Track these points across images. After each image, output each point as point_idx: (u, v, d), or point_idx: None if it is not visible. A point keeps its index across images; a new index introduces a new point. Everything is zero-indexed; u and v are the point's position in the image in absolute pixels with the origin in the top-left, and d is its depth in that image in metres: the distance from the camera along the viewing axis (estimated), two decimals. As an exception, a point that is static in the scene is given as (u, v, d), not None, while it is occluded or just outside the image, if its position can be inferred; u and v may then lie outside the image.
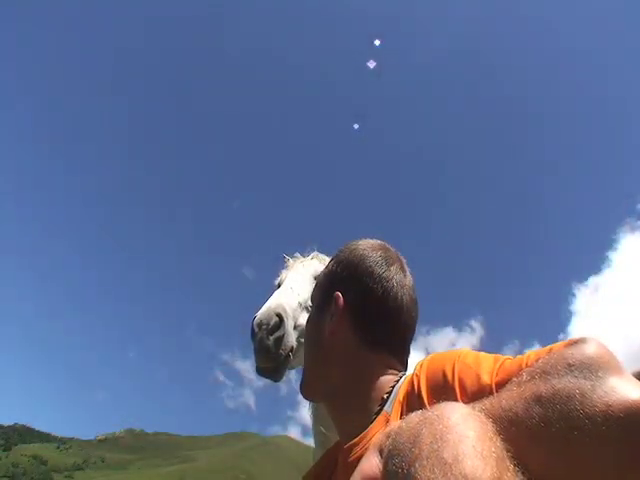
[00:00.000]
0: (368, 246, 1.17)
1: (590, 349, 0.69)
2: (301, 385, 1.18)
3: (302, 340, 1.76)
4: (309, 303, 1.89)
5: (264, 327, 1.74)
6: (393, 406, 0.94)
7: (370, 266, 1.11)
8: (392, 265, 1.12)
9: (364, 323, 1.08)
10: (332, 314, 1.11)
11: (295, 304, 1.91)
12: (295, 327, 1.86)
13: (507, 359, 0.82)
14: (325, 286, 1.18)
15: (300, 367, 1.83)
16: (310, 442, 1.99)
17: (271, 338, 1.73)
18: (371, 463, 0.68)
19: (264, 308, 1.83)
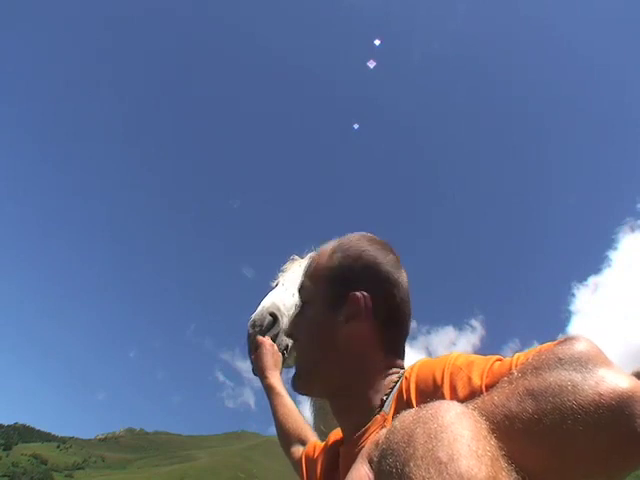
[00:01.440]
0: (378, 247, 1.14)
1: (580, 345, 0.71)
2: (294, 379, 1.16)
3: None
4: None
5: (257, 327, 1.76)
6: (391, 406, 0.96)
7: (388, 271, 1.10)
8: (401, 268, 1.13)
9: (383, 328, 1.08)
10: (349, 315, 1.08)
11: (290, 303, 1.90)
12: None
13: (497, 360, 0.83)
14: (335, 283, 1.13)
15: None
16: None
17: (264, 337, 1.74)
18: (360, 473, 0.68)
19: (258, 308, 1.83)
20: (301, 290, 1.21)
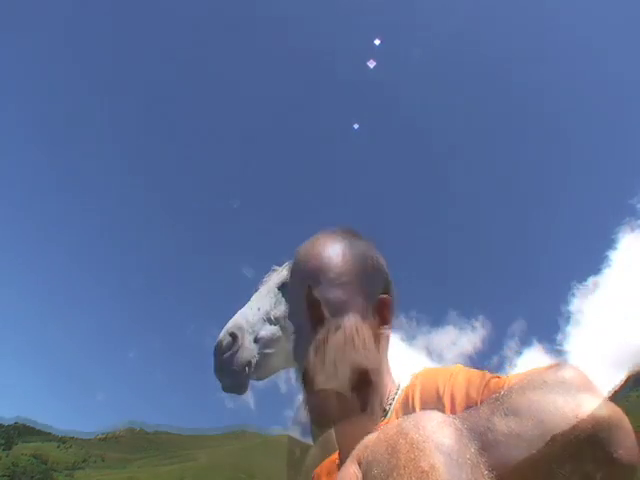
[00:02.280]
0: None
1: (566, 372, 0.74)
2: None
3: (266, 351, 1.98)
4: (272, 314, 2.04)
5: (218, 349, 1.92)
6: (393, 412, 0.98)
7: None
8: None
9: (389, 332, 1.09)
10: (387, 320, 1.03)
11: (254, 318, 2.01)
12: (256, 340, 1.98)
13: (493, 378, 0.87)
14: (376, 284, 1.06)
15: (273, 376, 2.06)
16: (310, 441, 2.02)
17: (224, 357, 1.89)
18: (349, 472, 0.70)
19: (222, 330, 1.97)
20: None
